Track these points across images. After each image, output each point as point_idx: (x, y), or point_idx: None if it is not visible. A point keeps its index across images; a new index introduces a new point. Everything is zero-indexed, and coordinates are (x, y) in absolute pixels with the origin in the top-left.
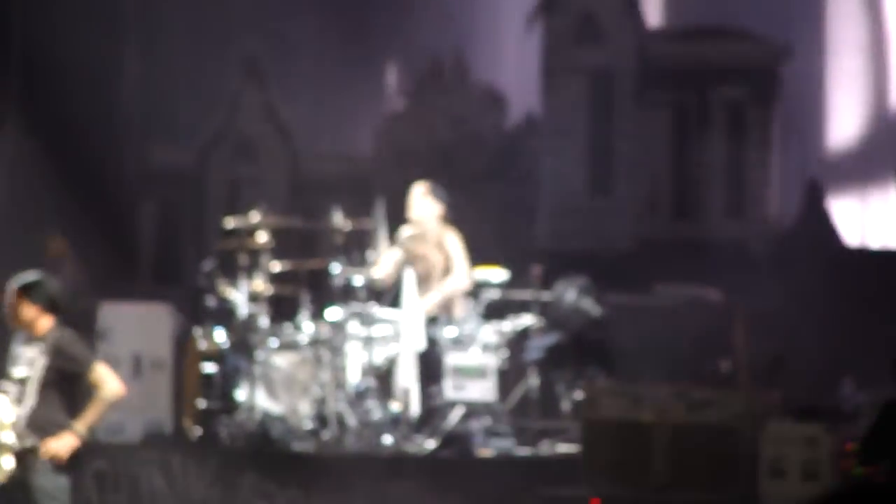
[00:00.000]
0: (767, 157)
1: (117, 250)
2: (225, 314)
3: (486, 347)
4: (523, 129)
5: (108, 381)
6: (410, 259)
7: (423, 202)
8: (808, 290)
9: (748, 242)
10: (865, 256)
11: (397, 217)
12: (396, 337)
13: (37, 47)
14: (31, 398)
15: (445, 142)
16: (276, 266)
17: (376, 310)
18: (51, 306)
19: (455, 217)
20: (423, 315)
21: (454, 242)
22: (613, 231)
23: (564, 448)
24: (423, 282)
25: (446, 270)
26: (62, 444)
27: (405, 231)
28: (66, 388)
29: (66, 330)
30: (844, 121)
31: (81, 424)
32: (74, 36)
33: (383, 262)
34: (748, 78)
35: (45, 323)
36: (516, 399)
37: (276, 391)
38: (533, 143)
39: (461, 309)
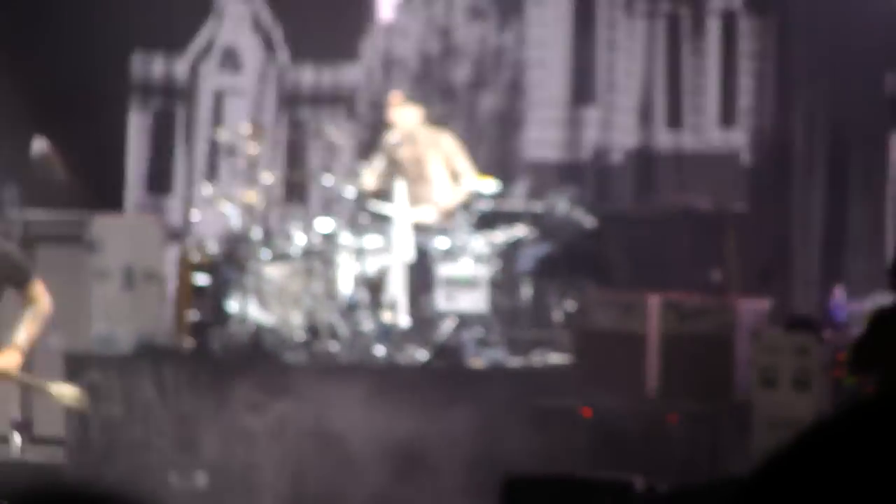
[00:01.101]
0: (762, 67)
1: (107, 162)
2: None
3: (477, 258)
4: (509, 40)
5: (45, 295)
6: (401, 165)
7: (403, 110)
8: (800, 200)
9: (741, 152)
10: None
11: (383, 127)
12: (388, 247)
13: None
14: None
15: (431, 52)
16: (267, 177)
17: (367, 220)
18: None
19: (438, 121)
20: (416, 224)
21: (450, 143)
22: (602, 141)
23: (556, 358)
24: (421, 189)
25: (453, 172)
26: (11, 361)
27: (391, 138)
28: None
29: (5, 240)
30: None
31: (25, 341)
32: None
33: (369, 172)
34: None
35: None
36: (504, 305)
37: (268, 302)
38: (519, 54)
39: (453, 219)
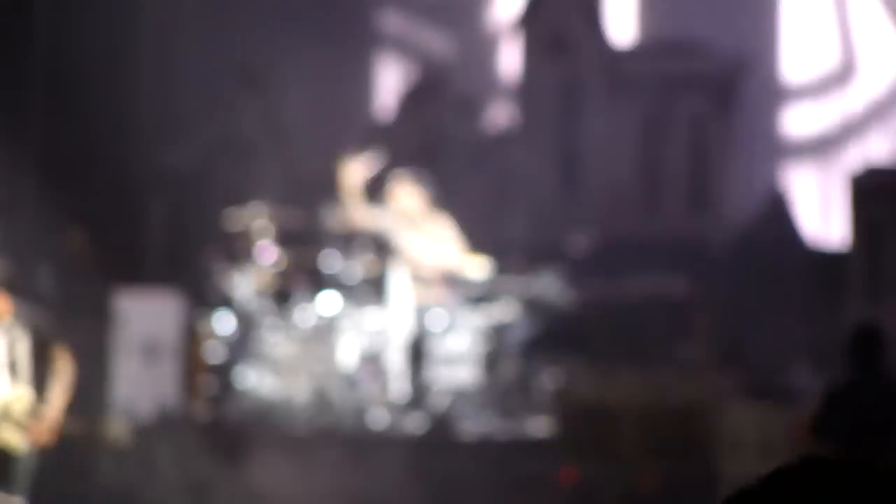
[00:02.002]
0: (727, 165)
1: (127, 246)
2: (227, 301)
3: (469, 334)
4: (499, 133)
5: (68, 359)
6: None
7: (407, 190)
8: (766, 283)
9: (709, 238)
10: (821, 257)
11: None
12: (388, 324)
13: (60, 54)
14: (19, 379)
15: (427, 144)
16: (275, 254)
17: (369, 298)
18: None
19: (440, 203)
20: (413, 303)
21: (445, 227)
22: (583, 226)
23: (540, 429)
24: (417, 268)
25: (439, 255)
26: (50, 427)
27: (394, 220)
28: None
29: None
30: (805, 124)
31: (58, 407)
32: (94, 41)
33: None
34: (709, 91)
35: (6, 305)
36: (495, 381)
37: (274, 376)
38: (507, 146)
39: (446, 297)
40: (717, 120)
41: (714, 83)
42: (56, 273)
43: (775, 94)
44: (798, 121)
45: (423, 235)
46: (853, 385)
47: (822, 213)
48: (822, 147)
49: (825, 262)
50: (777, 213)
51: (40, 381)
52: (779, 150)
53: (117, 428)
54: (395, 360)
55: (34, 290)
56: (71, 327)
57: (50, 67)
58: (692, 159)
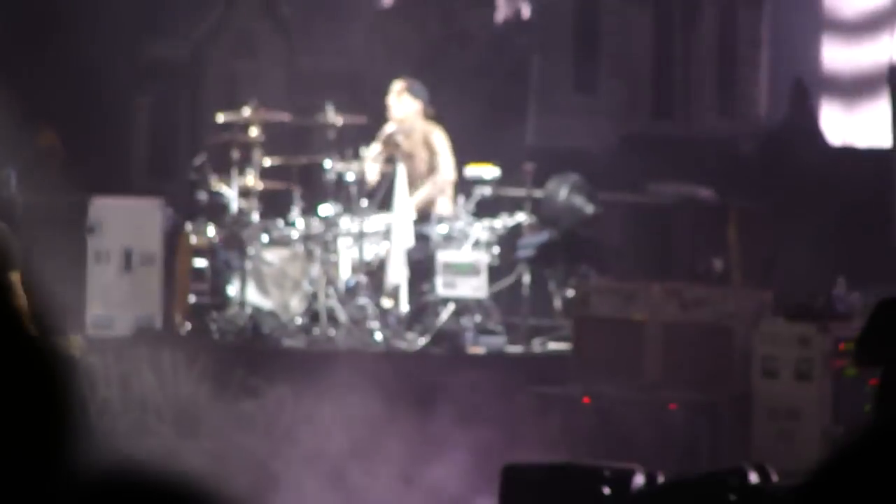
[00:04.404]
0: (757, 55)
1: (112, 146)
2: (217, 209)
3: (477, 244)
4: (511, 26)
5: (20, 291)
6: (399, 157)
7: (401, 100)
8: (798, 189)
9: (737, 141)
10: (851, 156)
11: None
12: (387, 233)
13: None
14: None
15: (435, 37)
16: (268, 161)
17: (367, 206)
18: None
19: (436, 113)
20: (414, 211)
21: (440, 139)
22: (601, 129)
23: (556, 346)
24: (411, 180)
25: (431, 168)
26: None
27: (388, 129)
28: None
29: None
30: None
31: None
32: None
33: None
34: None
35: None
36: (504, 293)
37: (267, 286)
38: (521, 40)
39: (452, 206)
40: (747, 10)
41: None
42: (22, 176)
43: None
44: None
45: (415, 148)
46: None
47: (859, 110)
48: (858, 36)
49: (867, 162)
50: (806, 112)
51: None
52: (813, 39)
53: (72, 344)
54: (397, 271)
55: None
56: (40, 236)
57: None
58: (719, 54)
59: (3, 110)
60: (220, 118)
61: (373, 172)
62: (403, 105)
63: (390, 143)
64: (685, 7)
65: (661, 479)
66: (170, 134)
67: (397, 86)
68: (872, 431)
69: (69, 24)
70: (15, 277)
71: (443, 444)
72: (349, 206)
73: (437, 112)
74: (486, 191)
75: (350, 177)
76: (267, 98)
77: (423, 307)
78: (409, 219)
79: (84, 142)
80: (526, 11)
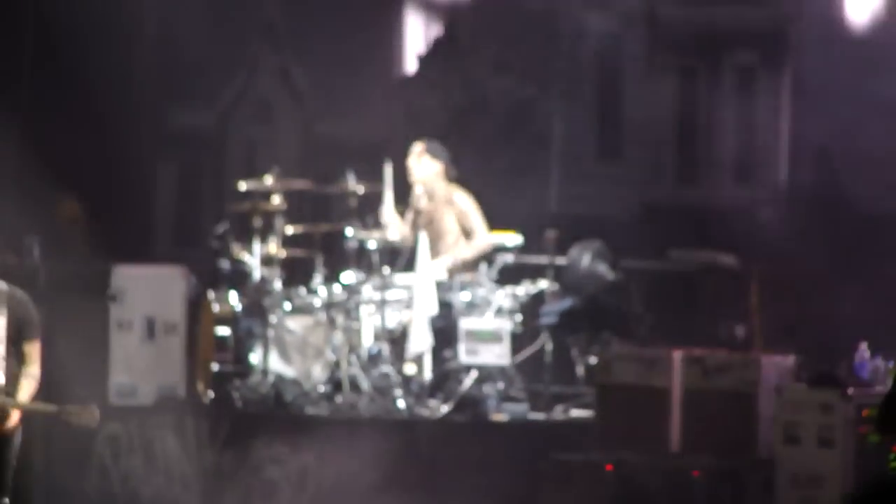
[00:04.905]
0: (777, 122)
1: (136, 213)
2: (239, 277)
3: (500, 312)
4: (534, 93)
5: (39, 359)
6: (421, 221)
7: (422, 161)
8: (821, 256)
9: (758, 208)
10: (878, 221)
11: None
12: (410, 301)
13: (52, 7)
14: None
15: (457, 105)
16: (290, 229)
17: (390, 273)
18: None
19: (458, 174)
20: (436, 279)
21: (463, 200)
22: (624, 196)
23: (578, 413)
24: (434, 243)
25: (460, 230)
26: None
27: (415, 192)
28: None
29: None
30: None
31: (24, 402)
32: None
33: (398, 223)
34: (758, 43)
35: None
36: (527, 360)
37: (290, 354)
38: (543, 108)
39: (475, 273)
40: (767, 76)
41: (763, 35)
42: (45, 244)
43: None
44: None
45: (438, 210)
46: None
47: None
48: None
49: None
50: (829, 176)
51: (10, 369)
52: (834, 105)
53: (86, 414)
54: (419, 338)
55: (19, 265)
56: (62, 304)
57: (42, 17)
58: (739, 120)
59: (27, 177)
60: (243, 186)
61: (402, 235)
62: (424, 166)
63: (416, 204)
64: (707, 74)
65: None
66: (193, 201)
67: (417, 147)
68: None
69: (95, 92)
70: (34, 347)
71: None
72: (371, 274)
73: (460, 176)
74: (509, 258)
75: (371, 244)
76: (284, 166)
77: (445, 374)
78: (433, 285)
79: (108, 208)
80: (548, 78)
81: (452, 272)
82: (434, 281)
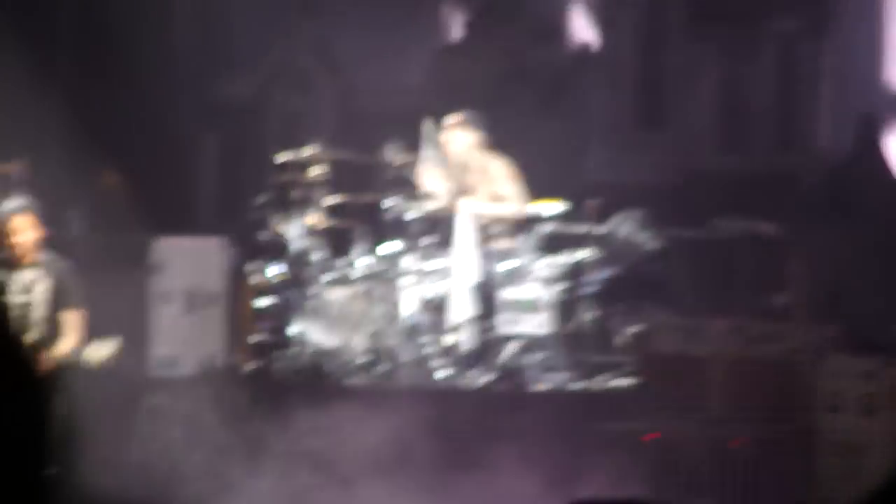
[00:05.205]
0: (818, 90)
1: (178, 185)
2: (279, 248)
3: (540, 281)
4: (575, 62)
5: (78, 330)
6: (459, 192)
7: (456, 133)
8: (863, 224)
9: (799, 175)
10: None
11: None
12: (450, 271)
13: None
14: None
15: (498, 74)
16: (330, 200)
17: (430, 243)
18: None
19: (499, 144)
20: (479, 247)
21: (499, 169)
22: (665, 165)
23: (619, 383)
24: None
25: (497, 198)
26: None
27: (451, 164)
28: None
29: (65, 259)
30: None
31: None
32: None
33: (441, 187)
34: (800, 9)
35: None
36: (567, 329)
37: (330, 325)
38: (584, 77)
39: (516, 242)
40: (808, 43)
41: (805, 1)
42: (86, 217)
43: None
44: None
45: (473, 180)
46: None
47: None
48: None
49: None
50: (873, 147)
51: (49, 332)
52: (876, 72)
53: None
54: (459, 309)
55: (62, 236)
56: (103, 276)
57: None
58: (780, 88)
59: (67, 150)
60: (282, 157)
61: (434, 203)
62: (458, 138)
63: (454, 179)
64: (747, 42)
65: None
66: (233, 173)
67: (452, 119)
68: None
69: (136, 64)
70: (74, 316)
71: (508, 481)
72: (411, 244)
73: (500, 146)
74: (550, 227)
75: (412, 214)
76: (324, 137)
77: (485, 344)
78: (474, 255)
79: (149, 180)
80: (590, 47)
81: (484, 226)
82: (477, 249)
